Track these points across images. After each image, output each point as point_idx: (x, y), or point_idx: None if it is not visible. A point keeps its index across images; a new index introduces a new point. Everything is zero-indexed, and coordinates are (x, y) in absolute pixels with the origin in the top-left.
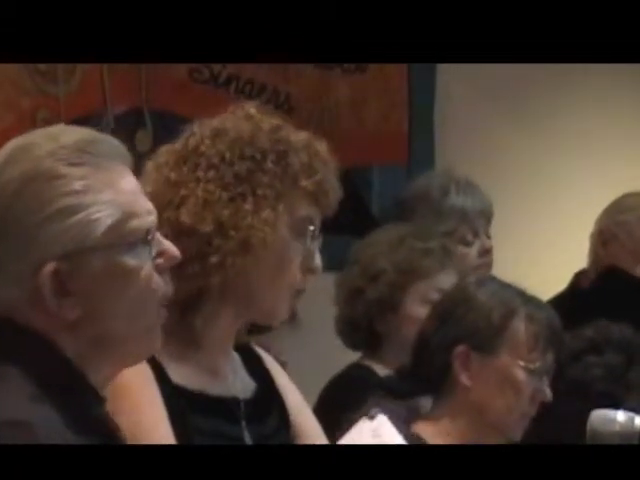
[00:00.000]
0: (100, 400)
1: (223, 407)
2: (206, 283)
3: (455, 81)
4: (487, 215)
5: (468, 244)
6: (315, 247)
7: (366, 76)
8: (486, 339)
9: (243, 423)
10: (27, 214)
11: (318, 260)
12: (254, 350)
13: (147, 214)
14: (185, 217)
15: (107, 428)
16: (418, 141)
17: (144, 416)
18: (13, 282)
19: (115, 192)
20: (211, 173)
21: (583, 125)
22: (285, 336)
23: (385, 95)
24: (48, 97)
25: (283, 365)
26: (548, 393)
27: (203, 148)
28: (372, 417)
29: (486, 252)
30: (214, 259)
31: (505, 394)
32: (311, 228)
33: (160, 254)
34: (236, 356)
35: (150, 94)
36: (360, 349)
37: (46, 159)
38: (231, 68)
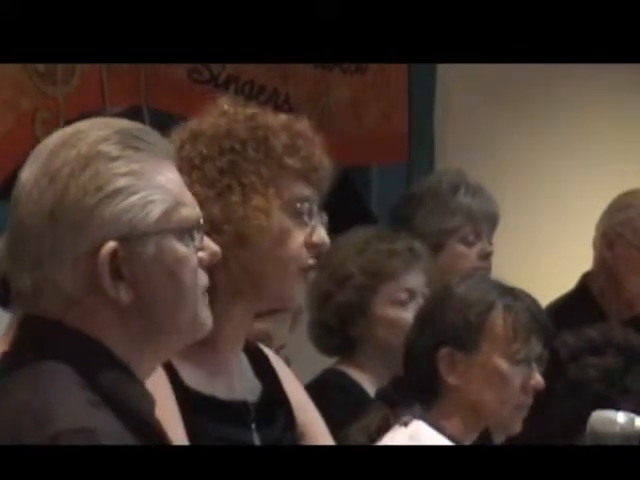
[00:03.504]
0: (153, 403)
1: (233, 412)
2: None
3: (455, 81)
4: (492, 220)
5: (469, 244)
6: (317, 222)
7: (366, 76)
8: (467, 337)
9: (253, 426)
10: (84, 195)
11: (321, 235)
12: (260, 349)
13: (195, 205)
14: None
15: (161, 434)
16: (418, 141)
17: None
18: (67, 267)
19: (166, 179)
20: (195, 174)
21: (583, 125)
22: (287, 329)
23: (385, 95)
24: (47, 98)
25: (287, 362)
26: (539, 380)
27: (184, 153)
28: (406, 423)
29: (486, 256)
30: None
31: (494, 388)
32: (306, 205)
33: (202, 248)
34: (243, 357)
35: (150, 94)
36: (333, 355)
37: (102, 142)
38: (231, 69)
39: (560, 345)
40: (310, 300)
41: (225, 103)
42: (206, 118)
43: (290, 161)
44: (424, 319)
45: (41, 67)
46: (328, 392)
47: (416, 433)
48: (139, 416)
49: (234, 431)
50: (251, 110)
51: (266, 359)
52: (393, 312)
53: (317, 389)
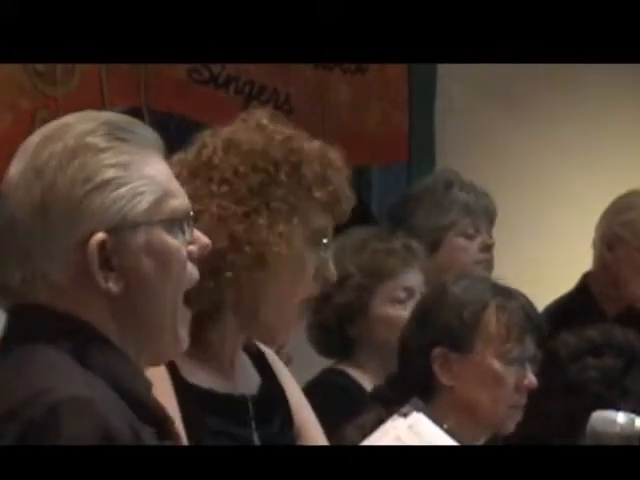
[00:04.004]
0: (148, 384)
1: (232, 407)
2: (220, 298)
3: (455, 81)
4: (490, 215)
5: (469, 237)
6: (329, 256)
7: (366, 76)
8: (461, 338)
9: (252, 423)
10: (73, 186)
11: (332, 269)
12: (258, 347)
13: (184, 197)
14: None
15: (161, 414)
16: (418, 141)
17: None
18: (57, 259)
19: (155, 170)
20: (224, 188)
21: (583, 125)
22: None
23: (385, 95)
24: (47, 98)
25: (288, 360)
26: (533, 380)
27: (216, 161)
28: (405, 414)
29: (487, 248)
30: (229, 275)
31: (488, 388)
32: (325, 239)
33: (192, 242)
34: (242, 353)
35: (149, 94)
36: (332, 356)
37: (88, 135)
38: (230, 69)
39: (560, 345)
40: (308, 302)
41: (264, 117)
42: (241, 126)
43: (318, 193)
44: (418, 318)
45: (41, 67)
46: (328, 391)
47: (415, 423)
48: (133, 396)
49: (233, 425)
50: (288, 130)
51: (265, 360)
52: (392, 311)
53: (317, 388)
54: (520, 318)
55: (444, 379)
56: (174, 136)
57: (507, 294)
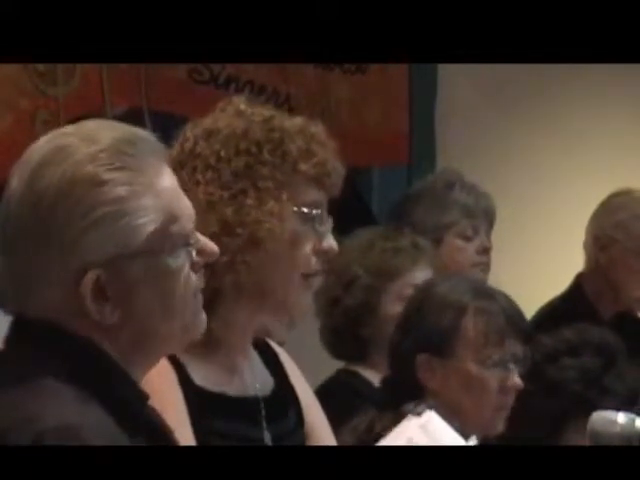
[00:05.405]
0: (144, 397)
1: (243, 408)
2: (219, 284)
3: (455, 81)
4: (489, 217)
5: (467, 239)
6: (326, 229)
7: (366, 76)
8: (442, 344)
9: (263, 424)
10: (70, 220)
11: (331, 241)
12: (270, 346)
13: (188, 216)
14: None
15: (157, 425)
16: (418, 141)
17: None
18: (55, 285)
19: (156, 195)
20: (209, 174)
21: (583, 125)
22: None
23: (385, 95)
24: (47, 98)
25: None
26: (517, 381)
27: (198, 150)
28: (419, 413)
29: (484, 251)
30: (224, 259)
31: (471, 393)
32: (318, 212)
33: (199, 253)
34: (254, 352)
35: (150, 94)
36: (345, 359)
37: (87, 164)
38: (231, 69)
39: (537, 346)
40: (319, 306)
41: (241, 102)
42: (220, 115)
43: (304, 167)
44: (404, 324)
45: (41, 67)
46: (341, 392)
47: (427, 423)
48: (129, 409)
49: (244, 427)
50: (268, 112)
51: (275, 356)
52: (402, 309)
53: (330, 389)
54: (500, 321)
55: (430, 384)
56: (174, 136)
57: (487, 296)
